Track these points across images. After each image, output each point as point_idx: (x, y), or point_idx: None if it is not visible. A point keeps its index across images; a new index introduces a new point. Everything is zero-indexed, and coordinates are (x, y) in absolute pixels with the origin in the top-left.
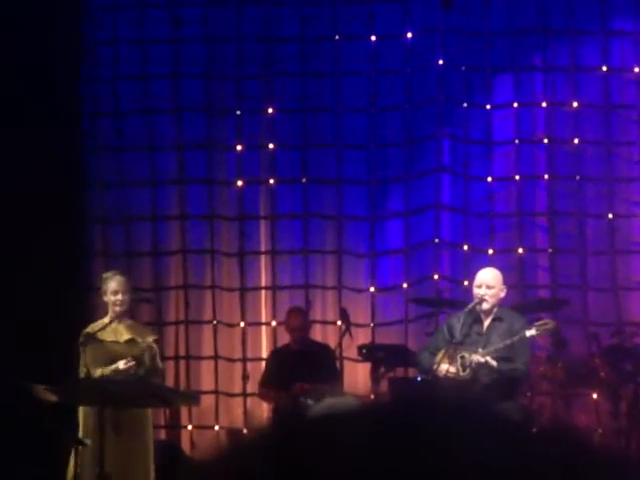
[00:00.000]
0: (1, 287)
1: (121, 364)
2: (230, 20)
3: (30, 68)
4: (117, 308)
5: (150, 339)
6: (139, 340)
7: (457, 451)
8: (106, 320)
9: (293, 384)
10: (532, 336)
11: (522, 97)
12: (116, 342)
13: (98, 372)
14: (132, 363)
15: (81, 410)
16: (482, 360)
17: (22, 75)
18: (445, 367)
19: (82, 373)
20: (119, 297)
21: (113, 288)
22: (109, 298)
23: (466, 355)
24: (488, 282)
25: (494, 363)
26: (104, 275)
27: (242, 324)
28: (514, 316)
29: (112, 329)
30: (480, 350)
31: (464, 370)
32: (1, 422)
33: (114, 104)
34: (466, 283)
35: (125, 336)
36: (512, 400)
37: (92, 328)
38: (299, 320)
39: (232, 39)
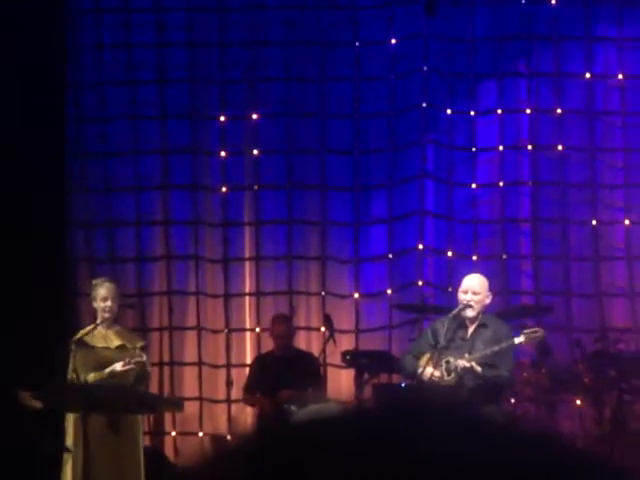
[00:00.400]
0: None
1: (118, 366)
2: (213, 25)
3: (13, 69)
4: (106, 315)
5: (139, 345)
6: (129, 346)
7: (442, 455)
8: (94, 325)
9: (278, 391)
10: (520, 343)
11: (506, 103)
12: (107, 348)
13: (92, 376)
14: (131, 366)
15: (71, 417)
16: (467, 365)
17: (6, 76)
18: (430, 371)
19: (71, 379)
20: (108, 304)
21: (102, 295)
22: (99, 304)
23: (451, 360)
24: (474, 288)
25: (479, 369)
26: (93, 282)
27: (226, 330)
28: (498, 323)
29: (102, 335)
30: (466, 355)
31: (449, 375)
32: None
33: (99, 109)
34: (450, 289)
35: (115, 342)
36: (496, 405)
37: (81, 334)
38: (283, 327)
39: (215, 44)
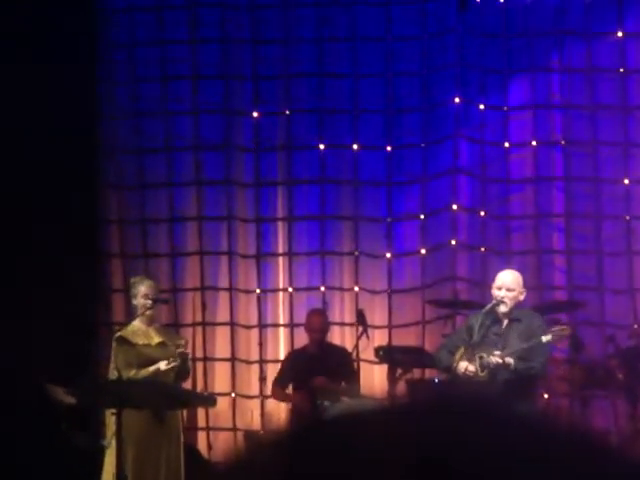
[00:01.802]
0: (19, 289)
1: (162, 365)
2: (245, 22)
3: (46, 69)
4: (148, 312)
5: (180, 342)
6: (169, 343)
7: (474, 452)
8: (136, 323)
9: (315, 379)
10: (548, 342)
11: (539, 98)
12: (148, 345)
13: (140, 374)
14: (175, 363)
15: (108, 413)
16: (500, 361)
17: (39, 75)
18: (465, 365)
19: (113, 376)
20: (150, 301)
21: (143, 292)
22: (139, 301)
23: (484, 355)
24: (508, 285)
25: (511, 361)
26: (132, 279)
27: (259, 326)
28: (532, 317)
29: (143, 332)
30: (498, 352)
31: (482, 370)
32: (20, 423)
33: (132, 105)
34: (483, 285)
35: (156, 339)
36: (530, 400)
37: (124, 331)
38: (319, 321)
39: (248, 41)
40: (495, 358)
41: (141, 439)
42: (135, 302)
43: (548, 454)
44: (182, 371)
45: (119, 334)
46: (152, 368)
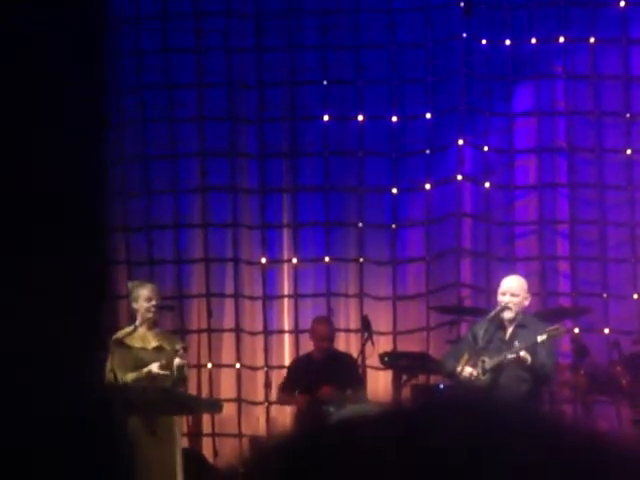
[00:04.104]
0: (27, 295)
1: (154, 367)
2: (250, 30)
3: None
4: (150, 315)
5: (178, 346)
6: (167, 348)
7: (475, 455)
8: (135, 326)
9: (321, 387)
10: (542, 341)
11: (543, 105)
12: (144, 349)
13: (130, 376)
14: (166, 372)
15: None
16: (514, 356)
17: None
18: (469, 370)
19: (109, 378)
20: (153, 303)
21: (146, 295)
22: (141, 305)
23: (486, 360)
24: (513, 290)
25: (527, 357)
26: (132, 283)
27: (264, 332)
28: (538, 324)
29: (140, 336)
30: (517, 346)
31: (484, 374)
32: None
33: (138, 112)
34: (488, 291)
35: (153, 343)
36: (537, 401)
37: (120, 334)
38: (326, 329)
39: (252, 49)
40: (510, 355)
41: (133, 444)
42: (136, 305)
43: (557, 459)
44: (179, 379)
45: (116, 336)
46: (145, 370)
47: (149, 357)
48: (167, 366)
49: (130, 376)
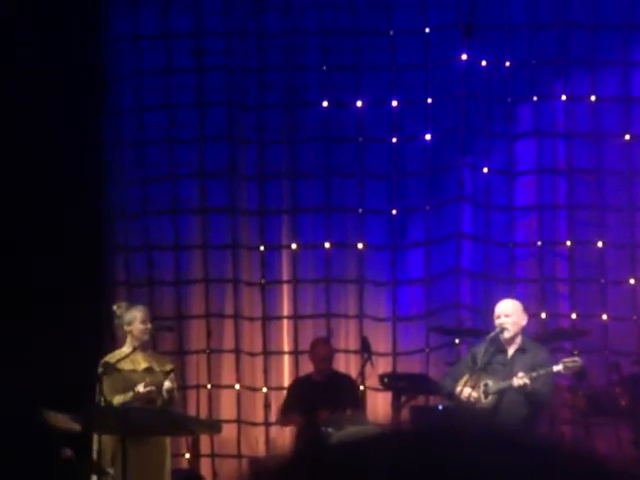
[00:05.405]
0: (19, 315)
1: (140, 387)
2: (250, 50)
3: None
4: (146, 337)
5: (168, 368)
6: (157, 369)
7: (482, 477)
8: (125, 349)
9: (318, 412)
10: (559, 372)
11: (543, 126)
12: (134, 371)
13: (118, 399)
14: (151, 388)
15: (96, 439)
16: (521, 383)
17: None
18: (468, 391)
19: (100, 402)
20: (148, 326)
21: (141, 318)
22: (137, 327)
23: (490, 383)
24: (506, 312)
25: (527, 381)
26: (121, 305)
27: (264, 353)
28: (538, 348)
29: (130, 358)
30: (521, 374)
31: (486, 397)
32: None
33: (137, 133)
34: (487, 312)
35: (142, 365)
36: (534, 426)
37: (111, 357)
38: (325, 350)
39: (253, 69)
40: (518, 380)
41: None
42: (130, 328)
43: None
44: (168, 403)
45: (105, 360)
46: (130, 393)
47: (139, 379)
48: (153, 383)
49: (117, 399)
